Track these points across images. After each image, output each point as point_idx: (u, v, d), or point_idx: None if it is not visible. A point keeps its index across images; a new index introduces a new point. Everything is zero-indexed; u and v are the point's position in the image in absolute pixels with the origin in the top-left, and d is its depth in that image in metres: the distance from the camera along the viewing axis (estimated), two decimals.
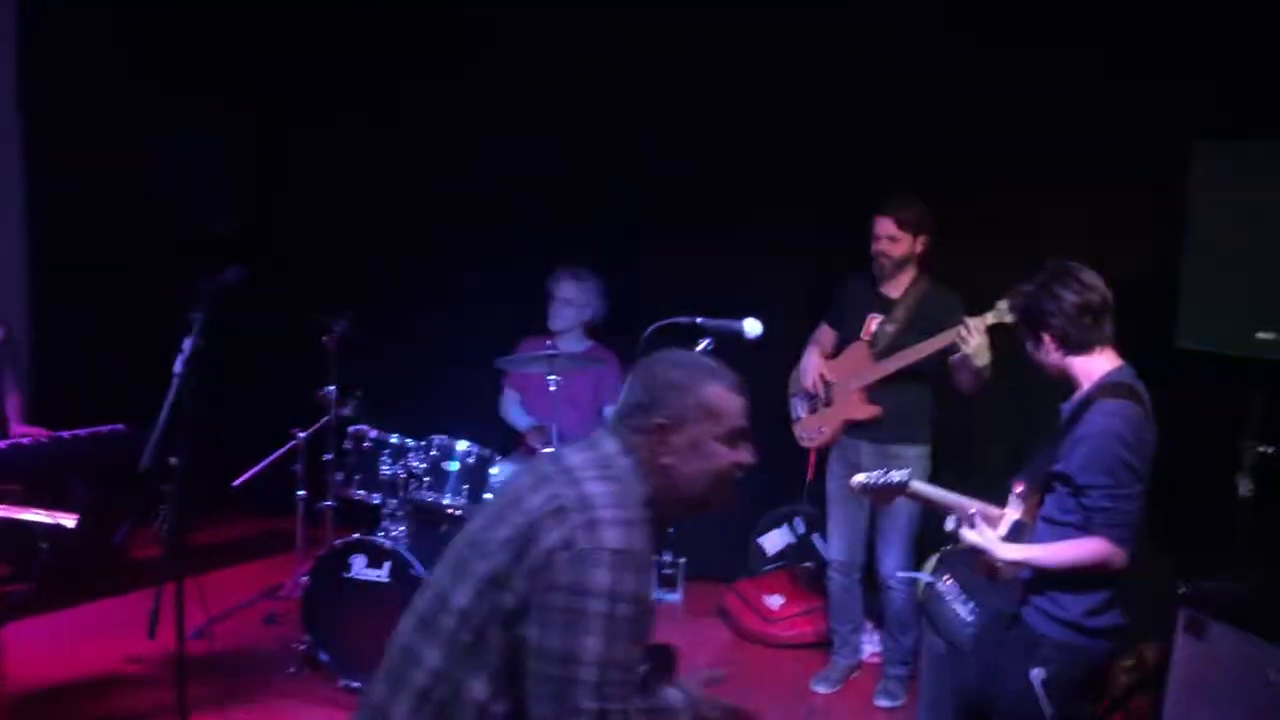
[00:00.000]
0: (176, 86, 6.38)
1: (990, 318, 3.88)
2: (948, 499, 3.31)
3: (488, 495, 4.62)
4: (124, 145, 6.41)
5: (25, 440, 5.10)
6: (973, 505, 3.14)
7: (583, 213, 5.69)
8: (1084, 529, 2.83)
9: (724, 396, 2.12)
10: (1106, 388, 2.89)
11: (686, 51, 5.43)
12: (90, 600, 5.19)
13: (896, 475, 3.36)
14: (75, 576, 5.24)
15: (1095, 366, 2.94)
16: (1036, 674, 2.85)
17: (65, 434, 5.22)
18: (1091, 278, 2.94)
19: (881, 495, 3.45)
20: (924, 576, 3.58)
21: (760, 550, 5.44)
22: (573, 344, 5.08)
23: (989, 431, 4.82)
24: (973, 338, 3.89)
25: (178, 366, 3.20)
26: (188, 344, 3.21)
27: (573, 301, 5.07)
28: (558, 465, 2.07)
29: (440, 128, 5.95)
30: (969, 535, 2.98)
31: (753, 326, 2.77)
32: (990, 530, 3.00)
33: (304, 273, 5.91)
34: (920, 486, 3.39)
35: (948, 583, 3.37)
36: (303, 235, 6.21)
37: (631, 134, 5.59)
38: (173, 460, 3.12)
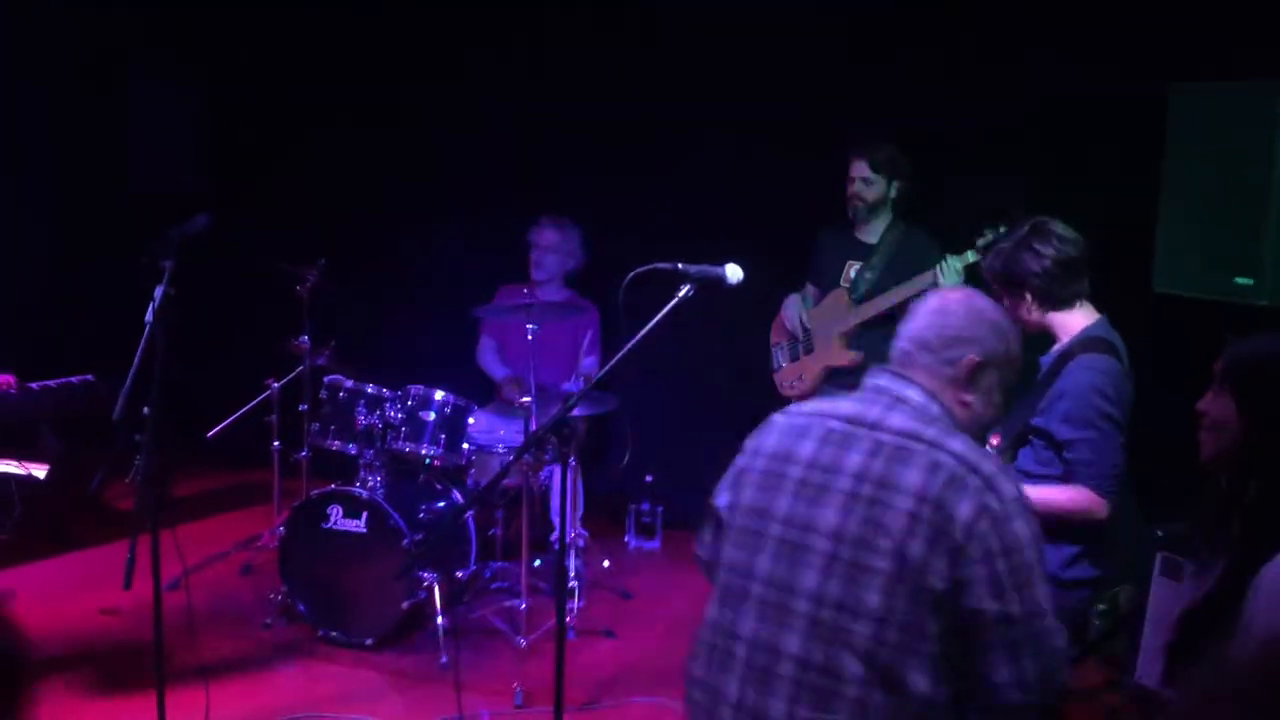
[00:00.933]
0: (143, 44, 6.28)
1: (969, 256, 3.87)
2: None
3: (466, 445, 4.61)
4: (92, 100, 6.30)
5: (7, 385, 5.03)
6: None
7: (563, 161, 5.62)
8: (1066, 482, 2.85)
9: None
10: (1085, 342, 2.91)
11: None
12: (65, 552, 5.15)
13: None
14: (49, 528, 5.20)
15: (1073, 321, 2.96)
16: None
17: (34, 385, 5.16)
18: (1068, 232, 2.94)
19: None
20: None
21: None
22: (552, 294, 5.05)
23: None
24: (950, 278, 3.88)
25: (148, 315, 3.15)
26: (158, 292, 3.15)
27: (555, 249, 5.02)
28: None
29: (420, 76, 5.84)
30: None
31: (734, 272, 2.73)
32: None
33: (277, 222, 5.83)
34: None
35: None
36: (275, 185, 6.11)
37: (614, 83, 5.50)
38: (145, 410, 3.08)
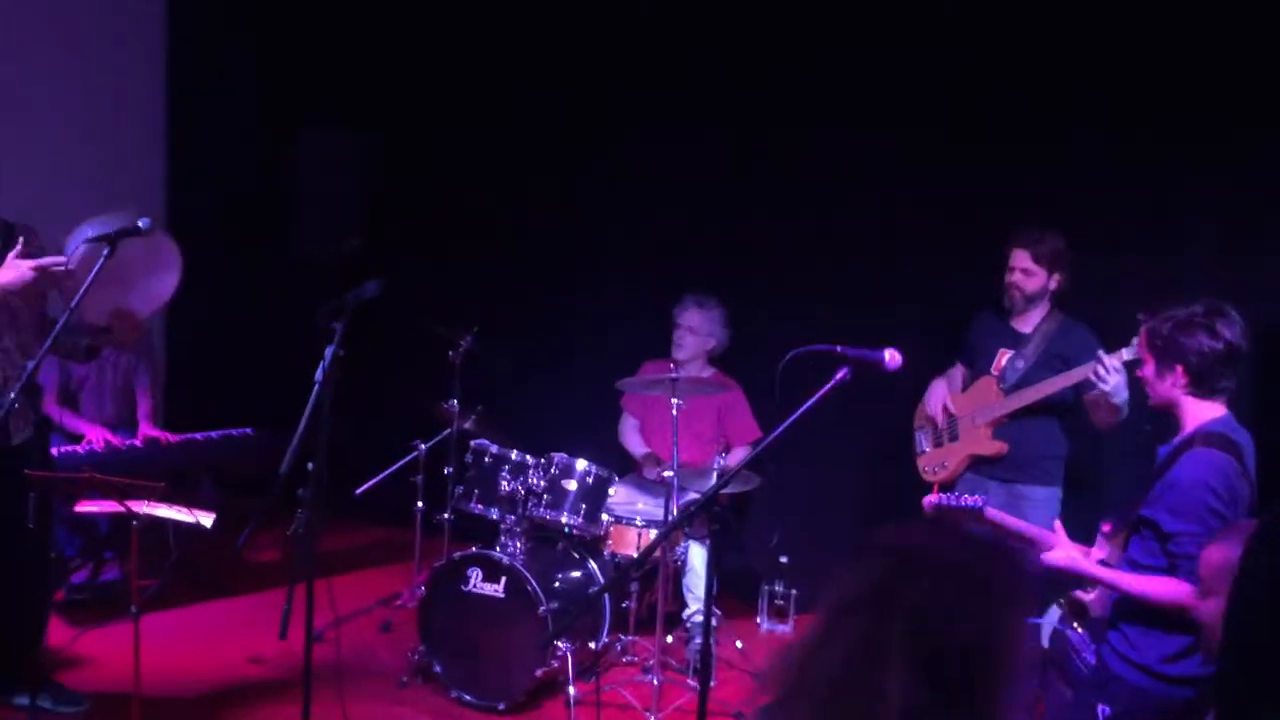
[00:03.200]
0: (308, 110, 6.63)
1: (1127, 354, 3.76)
2: (1029, 530, 3.24)
3: (605, 516, 4.65)
4: (259, 165, 6.66)
5: (160, 440, 5.29)
6: (1055, 537, 3.09)
7: (710, 240, 5.69)
8: (1169, 574, 2.76)
9: None
10: (1204, 436, 2.84)
11: (820, 81, 5.40)
12: (211, 600, 5.34)
13: (969, 499, 3.28)
14: (199, 575, 5.40)
15: (1204, 411, 2.87)
16: (1103, 710, 2.85)
17: (199, 435, 5.40)
18: (1240, 327, 2.86)
19: (955, 520, 3.35)
20: (1048, 621, 3.48)
21: None
22: (695, 371, 5.08)
23: (1123, 473, 4.66)
24: (1110, 376, 3.77)
25: (318, 374, 3.28)
26: (328, 352, 3.29)
27: (697, 330, 5.06)
28: None
29: (573, 146, 6.01)
30: (1050, 557, 2.96)
31: (893, 358, 2.73)
32: (1073, 548, 2.99)
33: (432, 286, 6.01)
34: (997, 515, 3.30)
35: (1078, 630, 3.28)
36: (429, 252, 6.32)
37: (764, 159, 5.56)
38: (309, 466, 3.20)
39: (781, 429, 2.66)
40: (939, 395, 4.48)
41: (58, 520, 4.30)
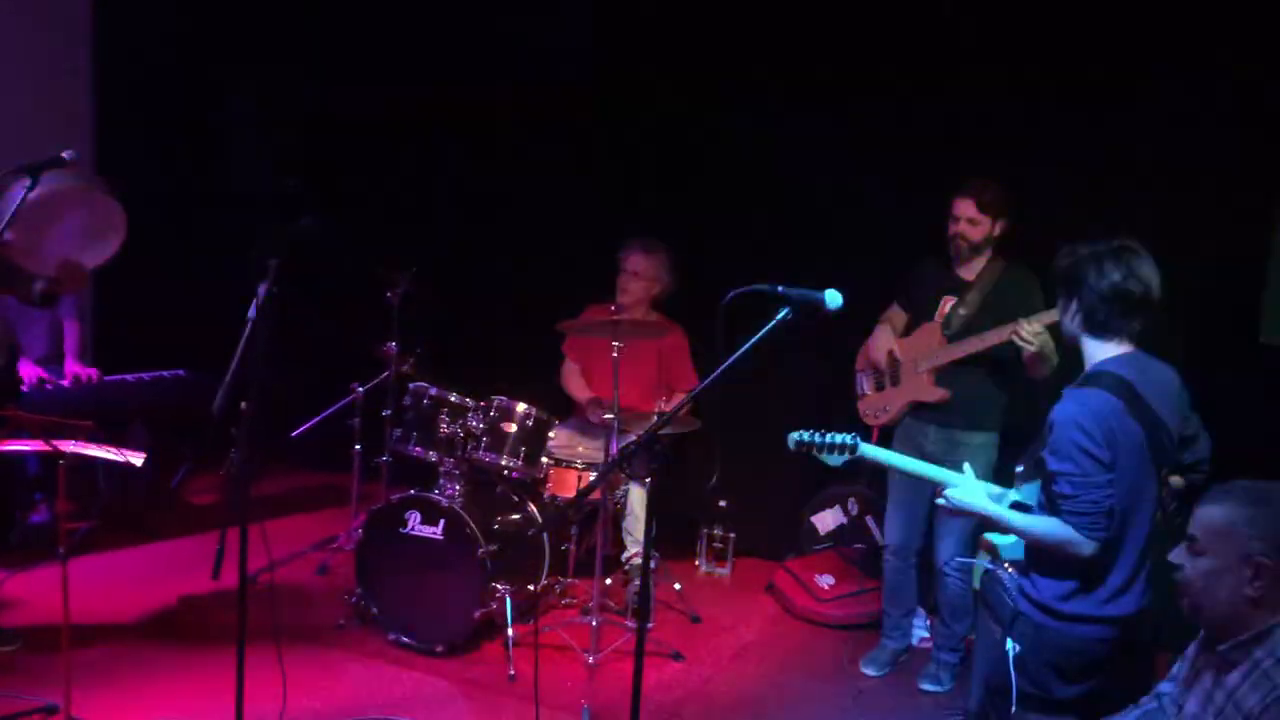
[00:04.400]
0: (242, 44, 6.47)
1: (1047, 317, 3.77)
2: (918, 468, 3.28)
3: (545, 459, 4.64)
4: (195, 102, 6.48)
5: (93, 379, 5.17)
6: (961, 477, 3.15)
7: (655, 182, 5.64)
8: (1051, 514, 2.83)
9: None
10: (1092, 375, 2.88)
11: (752, 20, 5.35)
12: (146, 542, 5.27)
13: (840, 436, 3.29)
14: (132, 517, 5.32)
15: (1102, 351, 2.90)
16: (1011, 647, 2.92)
17: (130, 377, 5.29)
18: (1146, 270, 2.86)
19: (827, 454, 3.35)
20: (980, 563, 3.53)
21: (812, 528, 5.41)
22: (639, 316, 5.05)
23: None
24: (1031, 341, 3.81)
25: (251, 312, 3.21)
26: (262, 290, 3.21)
27: (642, 274, 5.03)
28: None
29: (510, 83, 5.91)
30: (949, 494, 3.00)
31: (834, 298, 2.70)
32: (979, 489, 3.05)
33: (368, 228, 5.91)
34: (874, 451, 3.31)
35: (1008, 570, 3.33)
36: (368, 191, 6.21)
37: (704, 103, 5.52)
38: (243, 405, 3.13)
39: (720, 370, 2.64)
40: (883, 339, 4.50)
41: None
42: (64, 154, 3.45)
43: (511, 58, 5.95)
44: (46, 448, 3.34)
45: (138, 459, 3.46)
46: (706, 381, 2.70)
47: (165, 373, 5.43)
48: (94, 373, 5.25)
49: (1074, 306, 2.92)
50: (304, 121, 6.50)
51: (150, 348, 5.68)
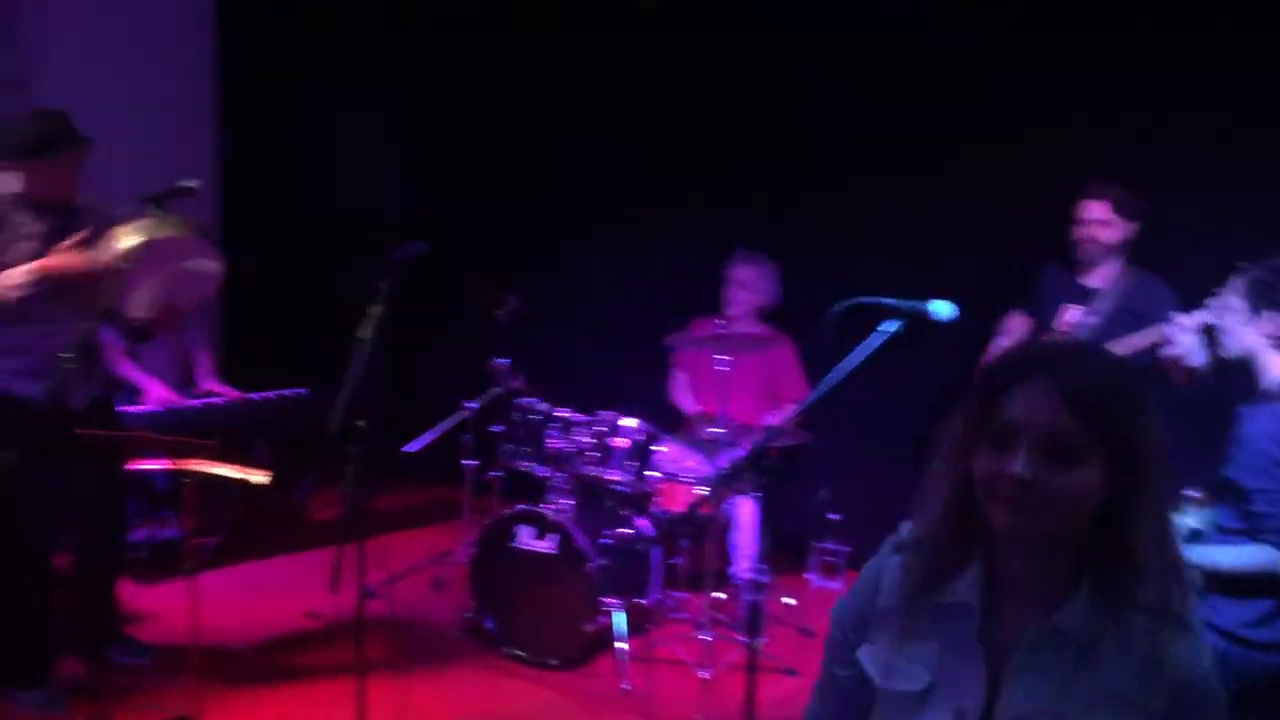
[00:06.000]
0: (351, 74, 6.65)
1: (1203, 315, 3.62)
2: None
3: (653, 473, 4.65)
4: (311, 125, 6.69)
5: (217, 400, 5.37)
6: None
7: (762, 194, 5.61)
8: (1251, 537, 2.67)
9: None
10: (1273, 392, 2.73)
11: (867, 26, 5.29)
12: (269, 556, 5.43)
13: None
14: (256, 533, 5.49)
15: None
16: None
17: (254, 395, 5.47)
18: None
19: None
20: None
21: None
22: (746, 328, 5.03)
23: (1196, 436, 4.54)
24: (1184, 337, 3.65)
25: (363, 333, 3.29)
26: (374, 310, 3.29)
27: (749, 285, 5.01)
28: None
29: (620, 100, 5.95)
30: None
31: (944, 309, 2.66)
32: None
33: (479, 246, 6.01)
34: None
35: None
36: (479, 210, 6.32)
37: (812, 111, 5.47)
38: (360, 424, 3.21)
39: (829, 383, 2.62)
40: (1001, 349, 4.39)
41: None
42: (189, 183, 3.59)
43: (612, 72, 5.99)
44: (173, 467, 3.47)
45: (261, 477, 3.56)
46: (814, 395, 2.68)
47: (287, 392, 5.59)
48: (231, 391, 5.45)
49: (1264, 317, 2.79)
50: (412, 141, 6.65)
51: (272, 367, 5.86)
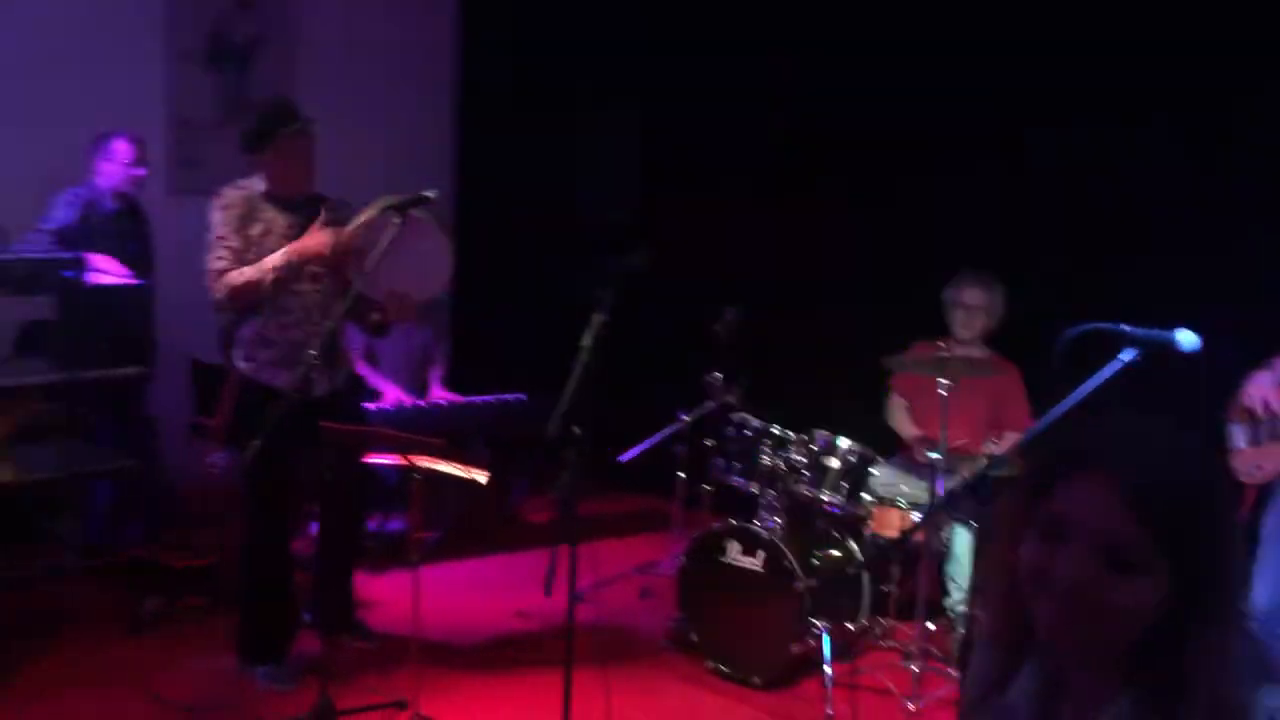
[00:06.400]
0: (585, 84, 6.83)
1: None
2: None
3: (867, 496, 4.56)
4: (538, 139, 6.92)
5: (442, 402, 5.62)
6: None
7: (983, 213, 5.42)
8: None
9: None
10: None
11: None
12: (486, 555, 5.63)
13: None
14: (475, 531, 5.71)
15: None
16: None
17: (476, 399, 5.70)
18: None
19: None
20: None
21: None
22: (970, 352, 4.87)
23: None
24: None
25: (585, 340, 3.37)
26: (594, 319, 3.37)
27: (981, 308, 4.85)
28: None
29: (845, 120, 5.87)
30: None
31: (1188, 338, 2.50)
32: None
33: (697, 260, 6.05)
34: None
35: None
36: (697, 223, 6.36)
37: (1039, 125, 5.25)
38: (575, 429, 3.29)
39: (1056, 413, 2.50)
40: (1260, 387, 4.05)
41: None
42: (428, 193, 3.78)
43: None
44: (403, 462, 3.64)
45: (482, 476, 3.69)
46: (1039, 426, 2.56)
47: (508, 396, 5.79)
48: (454, 397, 5.70)
49: None
50: (642, 158, 6.77)
51: (495, 372, 6.09)
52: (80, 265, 4.29)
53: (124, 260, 4.84)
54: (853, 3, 5.84)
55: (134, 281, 4.76)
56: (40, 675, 4.05)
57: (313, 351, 3.67)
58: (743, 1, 6.25)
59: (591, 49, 6.79)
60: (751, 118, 6.23)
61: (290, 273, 3.92)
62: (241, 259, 3.94)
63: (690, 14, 6.43)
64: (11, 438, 4.23)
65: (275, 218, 4.02)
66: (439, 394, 5.79)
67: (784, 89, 6.11)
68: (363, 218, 3.81)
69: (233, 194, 4.03)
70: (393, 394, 5.53)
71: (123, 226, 5.07)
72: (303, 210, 4.03)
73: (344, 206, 4.04)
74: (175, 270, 5.23)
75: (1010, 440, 4.69)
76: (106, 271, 4.64)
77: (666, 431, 5.32)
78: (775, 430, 4.60)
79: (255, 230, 3.99)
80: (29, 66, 5.45)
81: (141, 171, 5.11)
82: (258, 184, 4.05)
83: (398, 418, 5.27)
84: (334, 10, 6.64)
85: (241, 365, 4.11)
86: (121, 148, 5.03)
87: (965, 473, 4.25)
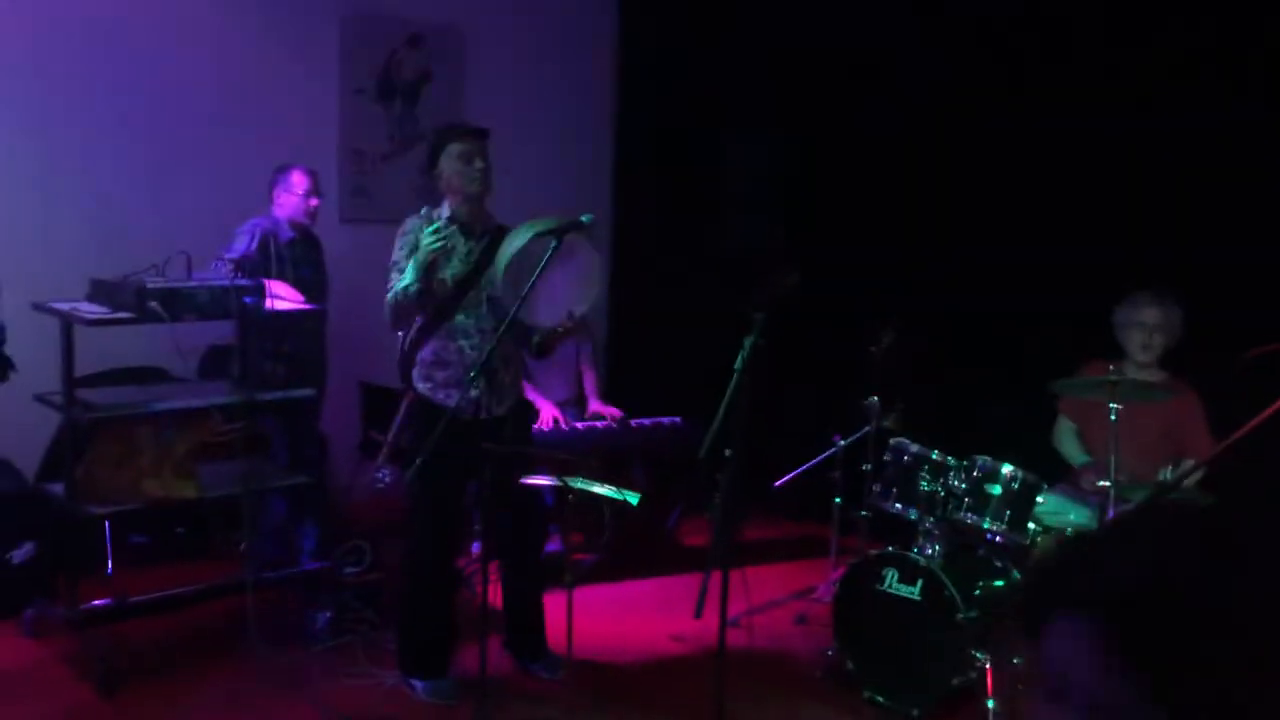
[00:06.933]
0: (734, 110, 6.84)
1: None
2: None
3: (1032, 525, 4.39)
4: (696, 158, 6.96)
5: (600, 423, 5.68)
6: None
7: (1161, 228, 5.18)
8: None
9: None
10: None
11: None
12: (640, 577, 5.65)
13: None
14: (630, 553, 5.74)
15: None
16: None
17: (632, 421, 5.74)
18: None
19: None
20: None
21: None
22: (1144, 374, 4.65)
23: None
24: None
25: (738, 364, 3.36)
26: (748, 343, 3.35)
27: (1159, 327, 4.63)
28: None
29: (1000, 130, 5.72)
30: None
31: None
32: None
33: (852, 281, 5.97)
34: None
35: None
36: (854, 243, 6.29)
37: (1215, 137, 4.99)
38: (728, 453, 3.28)
39: (1233, 439, 2.36)
40: None
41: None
42: (583, 217, 3.84)
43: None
44: (559, 483, 3.69)
45: (635, 498, 3.72)
46: (1217, 451, 2.43)
47: (664, 419, 5.82)
48: (617, 412, 5.75)
49: None
50: (791, 181, 6.73)
51: (652, 394, 6.12)
52: (260, 292, 4.51)
53: (299, 286, 5.07)
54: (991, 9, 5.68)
55: (309, 307, 4.98)
56: (215, 685, 4.25)
57: (473, 373, 3.77)
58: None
59: (738, 78, 6.82)
60: (897, 138, 6.13)
61: (425, 283, 4.02)
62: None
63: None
64: (195, 455, 4.47)
65: (455, 243, 4.15)
66: (596, 406, 5.84)
67: (942, 98, 5.99)
68: (518, 243, 3.88)
69: (412, 220, 4.20)
70: (549, 412, 5.61)
71: (298, 254, 5.31)
72: (483, 239, 4.15)
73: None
74: (346, 295, 5.47)
75: (1186, 466, 4.45)
76: (283, 298, 4.87)
77: (822, 456, 5.26)
78: (935, 455, 4.48)
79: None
80: (214, 104, 5.80)
81: (316, 201, 5.35)
82: (443, 210, 4.20)
83: (555, 439, 5.36)
84: (501, 47, 6.83)
85: (419, 386, 4.25)
86: (298, 179, 5.28)
87: (1137, 501, 4.05)
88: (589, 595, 5.08)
